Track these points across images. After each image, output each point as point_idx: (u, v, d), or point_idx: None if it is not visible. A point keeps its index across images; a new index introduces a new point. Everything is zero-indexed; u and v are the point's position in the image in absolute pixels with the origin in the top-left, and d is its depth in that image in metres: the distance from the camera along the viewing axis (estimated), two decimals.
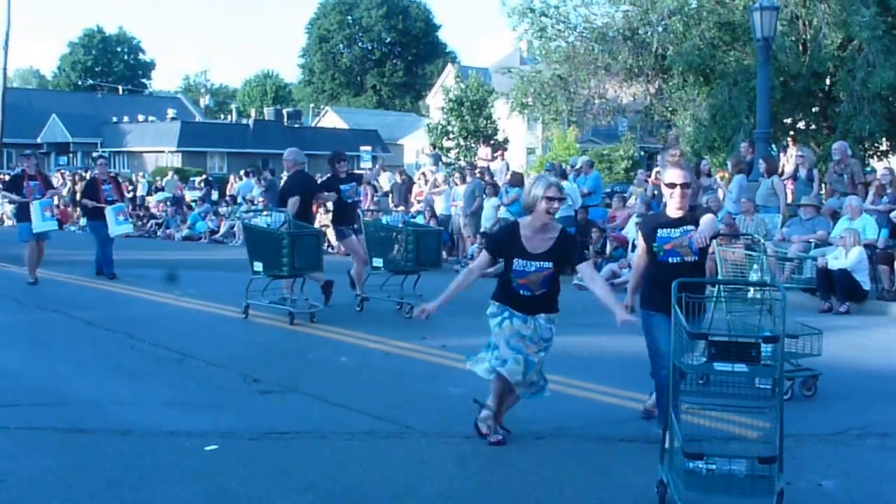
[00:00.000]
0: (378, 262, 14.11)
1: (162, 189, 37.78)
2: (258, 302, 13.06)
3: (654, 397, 7.49)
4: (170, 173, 41.91)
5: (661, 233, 7.20)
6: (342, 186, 14.61)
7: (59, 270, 17.42)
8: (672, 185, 7.21)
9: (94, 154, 66.05)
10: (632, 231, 18.19)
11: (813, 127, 26.38)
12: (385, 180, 29.38)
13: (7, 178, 21.96)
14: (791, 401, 8.57)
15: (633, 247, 17.56)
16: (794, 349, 8.30)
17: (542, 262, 7.10)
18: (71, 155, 68.38)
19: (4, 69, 50.01)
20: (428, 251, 14.18)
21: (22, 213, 17.16)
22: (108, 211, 17.44)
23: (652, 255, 7.29)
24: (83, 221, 26.02)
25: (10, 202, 18.60)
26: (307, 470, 6.67)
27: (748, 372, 5.55)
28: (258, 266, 12.84)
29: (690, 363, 5.73)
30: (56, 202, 18.24)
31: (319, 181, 16.36)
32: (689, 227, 7.10)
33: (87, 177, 23.60)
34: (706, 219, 7.05)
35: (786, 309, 5.79)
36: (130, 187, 37.08)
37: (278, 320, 12.92)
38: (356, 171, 14.80)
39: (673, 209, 7.28)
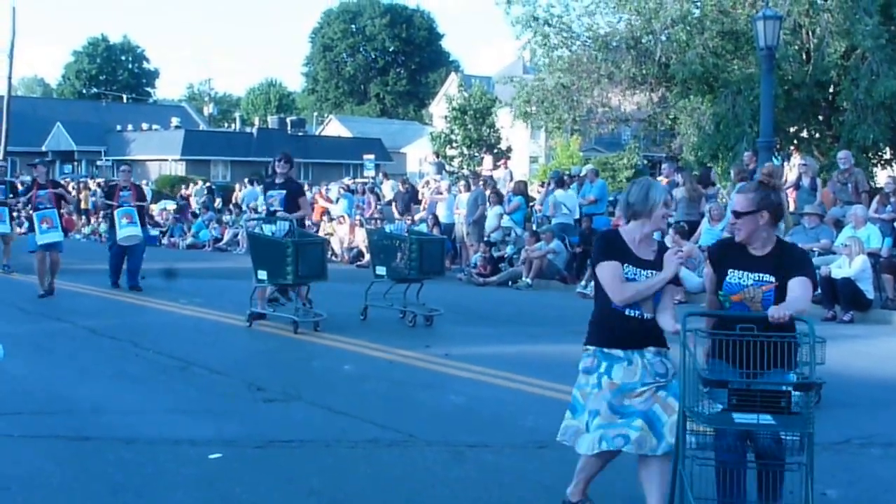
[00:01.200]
0: (381, 270, 14.01)
1: (170, 197, 37.84)
2: (262, 310, 13.08)
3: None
4: (199, 183, 41.72)
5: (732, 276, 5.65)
6: (269, 192, 14.15)
7: (64, 279, 17.40)
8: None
9: (109, 163, 66.39)
10: None
11: (817, 136, 26.37)
12: (388, 189, 29.41)
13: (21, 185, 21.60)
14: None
15: None
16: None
17: (651, 271, 5.65)
18: (75, 163, 68.44)
19: (9, 78, 50.36)
20: (431, 259, 13.96)
21: (31, 224, 17.07)
22: (116, 214, 17.04)
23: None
24: (102, 229, 25.62)
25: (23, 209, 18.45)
26: (310, 478, 6.67)
27: (776, 425, 4.89)
28: (262, 274, 12.74)
29: (703, 412, 4.97)
30: (62, 211, 17.78)
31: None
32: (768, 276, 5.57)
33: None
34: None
35: (815, 348, 5.03)
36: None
37: (282, 329, 12.92)
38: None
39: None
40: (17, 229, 23.28)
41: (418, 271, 13.67)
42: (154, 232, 20.67)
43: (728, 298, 5.57)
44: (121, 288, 17.13)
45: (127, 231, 16.82)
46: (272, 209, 13.75)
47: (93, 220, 36.11)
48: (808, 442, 5.03)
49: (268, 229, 13.35)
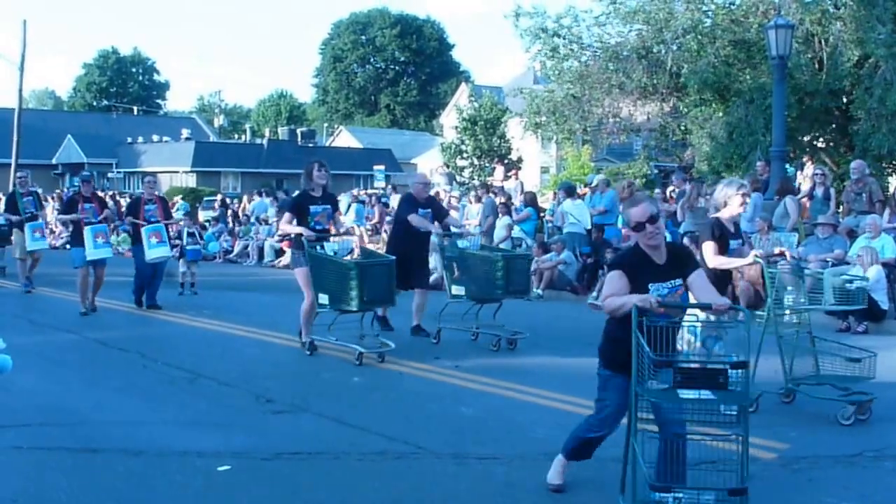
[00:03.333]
0: (459, 290, 12.70)
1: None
2: (323, 338, 11.97)
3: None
4: (219, 197, 41.45)
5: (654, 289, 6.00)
6: (311, 207, 12.15)
7: (74, 290, 17.39)
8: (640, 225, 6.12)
9: (120, 175, 66.52)
10: None
11: (830, 145, 26.28)
12: (396, 201, 29.35)
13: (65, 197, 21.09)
14: (806, 423, 8.50)
15: None
16: (855, 372, 8.36)
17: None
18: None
19: (20, 90, 50.37)
20: (518, 277, 12.49)
21: (75, 238, 16.03)
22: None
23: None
24: (125, 245, 25.29)
25: (63, 224, 17.55)
26: (319, 490, 6.63)
27: (715, 399, 5.36)
28: (324, 299, 11.51)
29: (653, 389, 5.52)
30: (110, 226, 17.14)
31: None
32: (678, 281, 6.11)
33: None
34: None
35: (750, 332, 5.69)
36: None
37: (290, 340, 12.86)
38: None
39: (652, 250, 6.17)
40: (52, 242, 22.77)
41: (504, 290, 12.30)
42: (195, 246, 20.48)
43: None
44: (142, 307, 16.39)
45: (157, 252, 15.99)
46: (321, 227, 12.00)
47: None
48: (744, 415, 5.47)
49: (329, 248, 11.93)
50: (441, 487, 6.74)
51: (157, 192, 17.18)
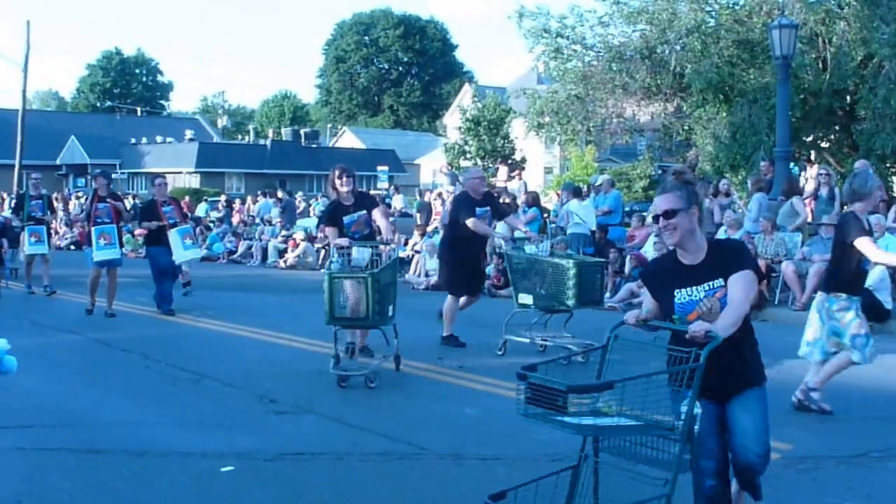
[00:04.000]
0: (527, 298, 11.85)
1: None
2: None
3: None
4: (223, 197, 41.23)
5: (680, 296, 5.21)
6: (345, 219, 11.41)
7: (77, 291, 17.39)
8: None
9: (124, 176, 66.54)
10: (650, 250, 18.08)
11: (834, 145, 26.24)
12: (398, 202, 29.35)
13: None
14: (810, 423, 8.48)
15: None
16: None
17: None
18: (89, 176, 68.65)
19: (24, 91, 50.42)
20: (591, 287, 11.69)
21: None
22: (173, 234, 15.50)
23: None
24: (129, 246, 25.00)
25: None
26: (322, 491, 6.62)
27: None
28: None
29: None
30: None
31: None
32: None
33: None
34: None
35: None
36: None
37: (294, 340, 12.86)
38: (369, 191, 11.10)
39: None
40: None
41: (577, 300, 11.43)
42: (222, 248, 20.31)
43: (684, 320, 5.05)
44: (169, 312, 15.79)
45: (191, 253, 16.00)
46: (359, 235, 11.32)
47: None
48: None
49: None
50: (443, 488, 6.72)
51: (169, 195, 16.96)
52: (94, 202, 15.68)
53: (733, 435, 5.11)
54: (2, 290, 18.68)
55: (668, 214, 5.10)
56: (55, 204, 20.28)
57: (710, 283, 5.08)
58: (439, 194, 26.31)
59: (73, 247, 32.81)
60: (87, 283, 15.85)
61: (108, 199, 15.73)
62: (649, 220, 20.56)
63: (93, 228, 15.43)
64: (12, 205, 21.49)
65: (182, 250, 15.47)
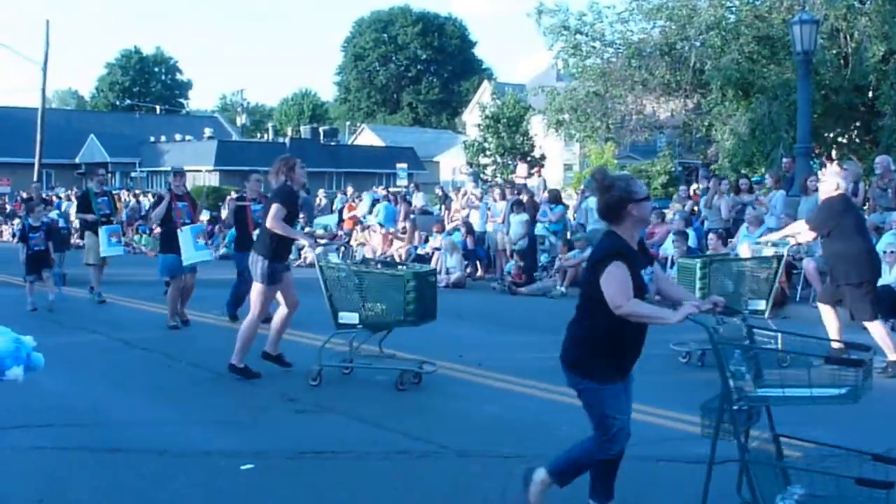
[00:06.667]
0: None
1: (206, 208, 37.75)
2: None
3: None
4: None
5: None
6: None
7: (104, 291, 17.44)
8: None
9: (143, 174, 66.71)
10: (669, 247, 18.01)
11: (856, 141, 26.11)
12: (418, 199, 29.29)
13: (154, 198, 18.60)
14: (832, 420, 8.41)
15: (672, 263, 17.40)
16: None
17: None
18: (109, 175, 68.88)
19: (43, 90, 50.72)
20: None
21: (167, 243, 14.57)
22: (183, 233, 14.27)
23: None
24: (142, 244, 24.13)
25: (157, 227, 15.18)
26: (342, 490, 6.61)
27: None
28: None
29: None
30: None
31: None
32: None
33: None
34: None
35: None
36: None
37: (313, 339, 12.86)
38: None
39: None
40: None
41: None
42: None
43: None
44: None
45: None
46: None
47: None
48: None
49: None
50: (464, 487, 6.70)
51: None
52: (172, 201, 14.51)
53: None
54: (57, 296, 16.69)
55: None
56: (118, 203, 19.14)
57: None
58: (463, 193, 26.07)
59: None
60: (172, 294, 14.60)
61: (185, 198, 14.88)
62: (669, 216, 20.53)
63: (181, 230, 14.24)
64: (77, 205, 19.97)
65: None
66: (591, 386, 5.63)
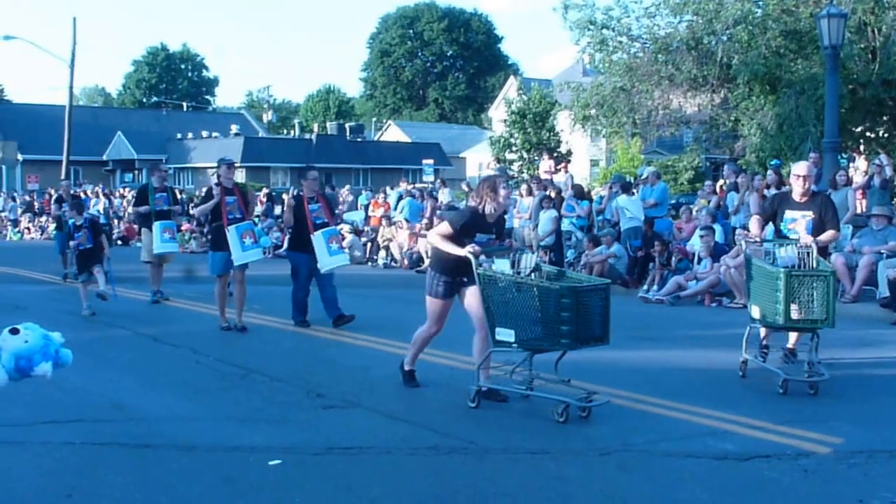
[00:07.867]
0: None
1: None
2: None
3: None
4: (264, 191, 41.09)
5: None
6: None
7: (132, 287, 17.51)
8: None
9: (170, 171, 66.85)
10: (696, 243, 17.95)
11: (884, 135, 25.95)
12: (444, 195, 29.29)
13: (204, 194, 17.21)
14: (861, 417, 8.38)
15: (699, 259, 17.34)
16: None
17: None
18: (136, 172, 69.25)
19: (70, 87, 50.96)
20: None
21: (217, 240, 13.87)
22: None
23: None
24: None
25: (204, 222, 14.38)
26: (371, 485, 6.61)
27: None
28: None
29: None
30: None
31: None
32: None
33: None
34: None
35: None
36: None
37: (341, 335, 12.90)
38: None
39: None
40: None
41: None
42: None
43: None
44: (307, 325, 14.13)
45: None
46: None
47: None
48: None
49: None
50: (492, 483, 6.70)
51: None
52: (221, 195, 13.80)
53: None
54: (109, 297, 15.64)
55: None
56: (178, 196, 18.24)
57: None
58: None
59: (119, 242, 32.98)
60: (221, 292, 14.06)
61: (234, 192, 14.12)
62: (694, 212, 20.46)
63: (229, 228, 13.53)
64: (135, 199, 19.15)
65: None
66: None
